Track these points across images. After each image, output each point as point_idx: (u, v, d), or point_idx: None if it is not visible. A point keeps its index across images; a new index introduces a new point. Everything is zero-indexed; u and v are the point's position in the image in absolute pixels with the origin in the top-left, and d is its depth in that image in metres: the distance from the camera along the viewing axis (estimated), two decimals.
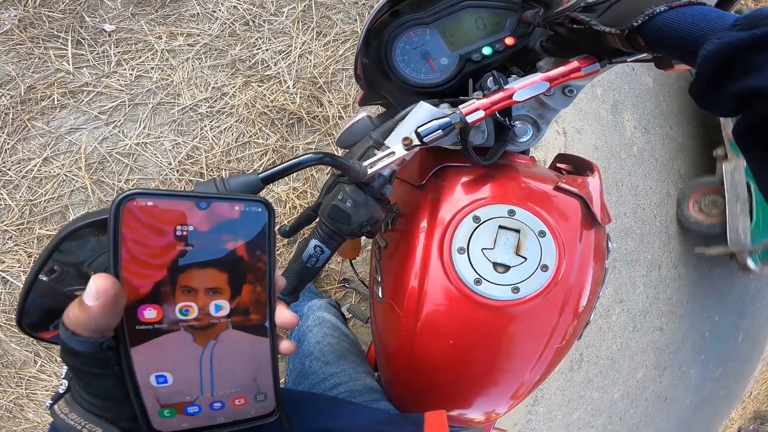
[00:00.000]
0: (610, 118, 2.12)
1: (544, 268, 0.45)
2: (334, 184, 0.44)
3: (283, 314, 0.26)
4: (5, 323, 1.16)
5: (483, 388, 0.49)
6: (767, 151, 0.27)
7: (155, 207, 0.21)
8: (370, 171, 0.39)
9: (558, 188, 0.49)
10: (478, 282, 0.44)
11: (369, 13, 0.49)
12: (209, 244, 0.23)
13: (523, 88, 0.39)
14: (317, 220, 0.46)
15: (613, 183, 2.08)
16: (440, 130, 0.39)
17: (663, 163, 2.34)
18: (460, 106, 0.39)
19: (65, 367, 0.24)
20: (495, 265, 0.45)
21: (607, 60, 0.39)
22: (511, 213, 0.46)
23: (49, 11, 1.41)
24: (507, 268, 0.45)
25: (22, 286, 0.26)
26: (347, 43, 1.62)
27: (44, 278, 0.25)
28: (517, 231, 0.46)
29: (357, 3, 1.74)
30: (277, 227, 0.30)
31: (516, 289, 0.44)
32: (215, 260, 0.23)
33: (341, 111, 1.52)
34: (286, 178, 1.39)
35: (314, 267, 0.44)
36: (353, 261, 1.05)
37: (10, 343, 1.16)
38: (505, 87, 0.40)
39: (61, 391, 0.24)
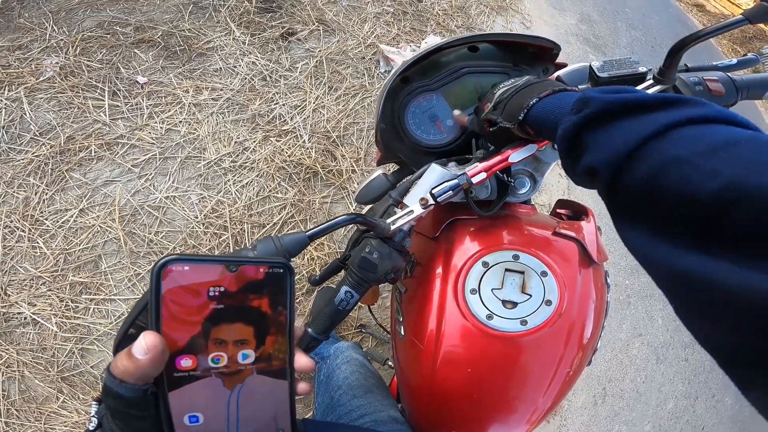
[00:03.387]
0: None
1: (548, 302, 0.51)
2: (360, 239, 0.51)
3: (301, 360, 0.29)
4: (31, 361, 1.19)
5: (498, 413, 0.54)
6: (621, 212, 0.29)
7: (190, 271, 0.25)
8: (393, 227, 0.47)
9: (556, 233, 0.56)
10: (489, 317, 0.50)
11: (384, 82, 0.57)
12: (238, 302, 0.26)
13: (516, 151, 0.47)
14: (345, 269, 0.53)
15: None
16: (451, 191, 0.47)
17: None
18: (466, 170, 0.47)
19: (94, 406, 0.28)
20: (504, 302, 0.51)
21: None
22: (516, 257, 0.53)
23: (88, 60, 1.56)
24: (515, 304, 0.51)
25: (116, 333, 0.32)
26: (356, 97, 1.76)
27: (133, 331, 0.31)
28: (522, 272, 0.52)
29: (364, 58, 1.90)
30: (305, 277, 0.36)
31: (524, 322, 0.50)
32: (242, 316, 0.27)
33: (353, 164, 1.60)
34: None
35: (344, 310, 0.50)
36: (371, 307, 1.11)
37: (34, 379, 1.18)
38: (502, 151, 0.48)
39: (91, 428, 0.27)
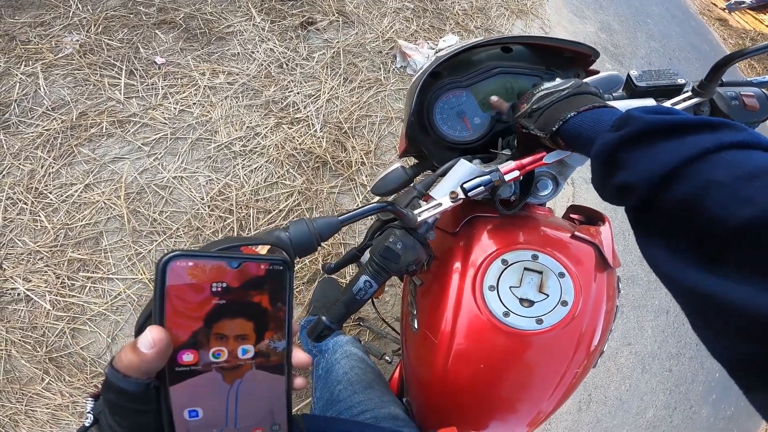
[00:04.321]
0: None
1: (564, 303, 0.52)
2: (383, 229, 0.51)
3: (299, 356, 0.30)
4: (19, 340, 1.16)
5: (503, 411, 0.54)
6: (647, 229, 0.30)
7: (195, 266, 0.25)
8: (420, 218, 0.47)
9: (574, 236, 0.57)
10: (506, 314, 0.51)
11: (417, 75, 0.57)
12: (239, 297, 0.27)
13: (551, 152, 0.48)
14: (364, 259, 0.53)
15: (620, 232, 2.15)
16: (482, 186, 0.47)
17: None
18: (499, 167, 0.47)
19: (90, 402, 0.27)
20: (521, 300, 0.52)
21: None
22: (535, 257, 0.53)
23: (108, 39, 1.55)
24: (532, 303, 0.52)
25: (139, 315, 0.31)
26: (371, 90, 1.75)
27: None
28: (540, 272, 0.53)
29: (381, 52, 1.89)
30: (322, 265, 0.36)
31: (540, 321, 0.51)
32: (243, 311, 0.27)
33: (363, 157, 1.60)
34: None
35: (362, 299, 0.50)
36: (375, 300, 1.11)
37: (21, 359, 1.16)
38: (537, 151, 0.48)
39: (87, 424, 0.27)
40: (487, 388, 0.53)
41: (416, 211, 0.47)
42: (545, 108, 0.42)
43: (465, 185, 0.47)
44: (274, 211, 1.45)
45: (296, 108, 1.59)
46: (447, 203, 0.47)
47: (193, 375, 0.26)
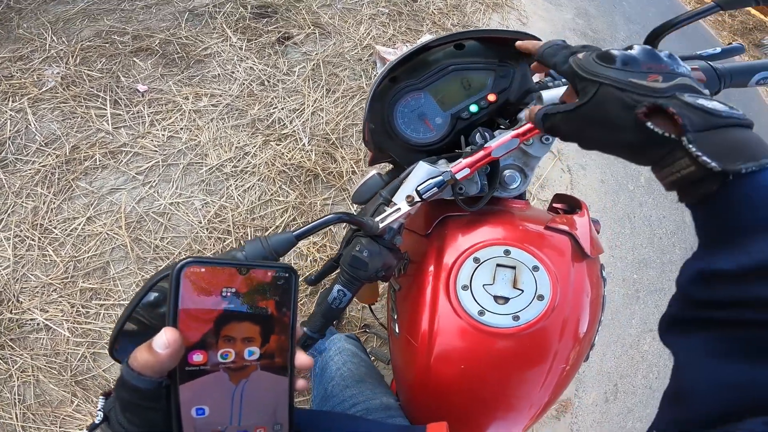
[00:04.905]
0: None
1: (540, 297, 0.51)
2: (351, 238, 0.51)
3: (301, 358, 0.31)
4: (45, 366, 1.21)
5: (494, 409, 0.54)
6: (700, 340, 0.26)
7: (206, 273, 0.27)
8: (381, 225, 0.47)
9: (548, 227, 0.56)
10: (481, 313, 0.50)
11: (372, 81, 0.58)
12: (247, 302, 0.29)
13: (498, 146, 0.48)
14: (339, 269, 0.53)
15: (625, 215, 2.10)
16: (436, 188, 0.47)
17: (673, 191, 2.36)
18: (450, 166, 0.47)
19: (101, 401, 0.29)
20: (495, 297, 0.51)
21: None
22: (507, 252, 0.53)
23: (88, 69, 1.59)
24: (506, 300, 0.51)
25: (116, 321, 0.34)
26: (354, 99, 1.76)
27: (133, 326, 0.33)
28: (513, 267, 0.52)
29: (360, 60, 1.91)
30: (303, 277, 0.37)
31: (516, 318, 0.50)
32: (251, 315, 0.29)
33: (353, 165, 1.61)
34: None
35: (338, 308, 0.51)
36: (372, 307, 1.12)
37: (49, 383, 1.21)
38: (485, 146, 0.48)
39: (97, 421, 0.28)
40: (473, 389, 0.53)
41: (378, 218, 0.48)
42: (725, 121, 0.26)
43: (419, 188, 0.47)
44: (270, 228, 1.47)
45: (282, 124, 1.61)
46: (405, 207, 0.47)
47: (201, 374, 0.27)
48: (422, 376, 0.53)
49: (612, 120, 0.29)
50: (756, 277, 0.23)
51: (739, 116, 0.26)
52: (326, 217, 0.44)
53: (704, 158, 0.24)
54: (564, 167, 1.99)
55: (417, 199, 0.47)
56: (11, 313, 1.27)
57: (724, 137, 0.25)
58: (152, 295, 0.33)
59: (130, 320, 0.33)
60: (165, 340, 0.25)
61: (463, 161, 0.47)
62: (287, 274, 0.30)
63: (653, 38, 0.42)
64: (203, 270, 0.27)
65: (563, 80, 0.57)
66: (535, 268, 0.52)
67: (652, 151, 0.28)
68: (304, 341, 0.50)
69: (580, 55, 0.33)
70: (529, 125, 0.48)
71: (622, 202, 2.10)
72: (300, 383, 0.32)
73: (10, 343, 1.21)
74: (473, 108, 0.58)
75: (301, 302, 1.40)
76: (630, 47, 0.32)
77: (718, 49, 0.47)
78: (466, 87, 0.58)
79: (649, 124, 0.27)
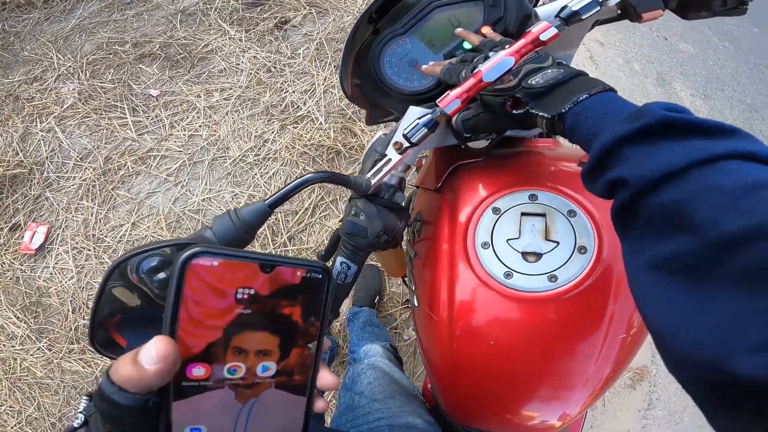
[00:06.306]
0: (659, 91, 1.93)
1: (582, 250, 0.41)
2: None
3: (325, 377, 0.26)
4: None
5: (541, 390, 0.45)
6: (630, 229, 0.29)
7: (219, 267, 0.21)
8: (373, 181, 0.40)
9: (583, 164, 0.45)
10: (508, 275, 0.42)
11: (349, 33, 0.52)
12: (268, 308, 0.23)
13: (489, 68, 0.38)
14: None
15: None
16: (425, 128, 0.39)
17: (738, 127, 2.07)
18: (437, 100, 0.39)
19: (83, 401, 0.24)
20: (524, 254, 0.42)
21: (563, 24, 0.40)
22: (533, 197, 0.43)
23: (100, 82, 1.65)
24: (539, 256, 0.42)
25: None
26: None
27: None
28: (543, 215, 0.43)
29: None
30: (317, 254, 0.30)
31: (553, 278, 0.41)
32: (270, 324, 0.23)
33: (373, 136, 1.56)
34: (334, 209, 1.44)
35: (345, 283, 0.45)
36: (407, 279, 1.06)
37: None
38: (474, 71, 0.39)
39: (75, 426, 0.24)
40: (507, 368, 0.44)
41: (368, 174, 0.40)
42: (550, 86, 0.37)
43: (406, 131, 0.39)
44: (300, 210, 1.45)
45: (296, 107, 1.57)
46: (395, 156, 0.40)
47: (201, 391, 0.22)
48: (447, 356, 0.46)
49: (499, 114, 0.41)
50: (607, 158, 0.30)
51: (561, 76, 0.36)
52: (304, 177, 0.37)
53: (541, 114, 0.36)
54: None
55: (405, 144, 0.39)
56: (84, 319, 1.39)
57: (553, 95, 0.36)
58: (154, 260, 0.28)
59: (132, 290, 0.28)
60: (153, 354, 0.20)
61: (452, 93, 0.38)
62: (321, 276, 0.24)
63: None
64: (216, 264, 0.21)
65: None
66: (571, 213, 0.42)
67: (524, 122, 0.39)
68: None
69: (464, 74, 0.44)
70: (524, 39, 0.39)
71: None
72: (320, 404, 0.26)
73: (90, 348, 1.31)
74: (466, 44, 0.50)
75: None
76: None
77: None
78: (455, 24, 0.50)
79: (513, 111, 0.39)
